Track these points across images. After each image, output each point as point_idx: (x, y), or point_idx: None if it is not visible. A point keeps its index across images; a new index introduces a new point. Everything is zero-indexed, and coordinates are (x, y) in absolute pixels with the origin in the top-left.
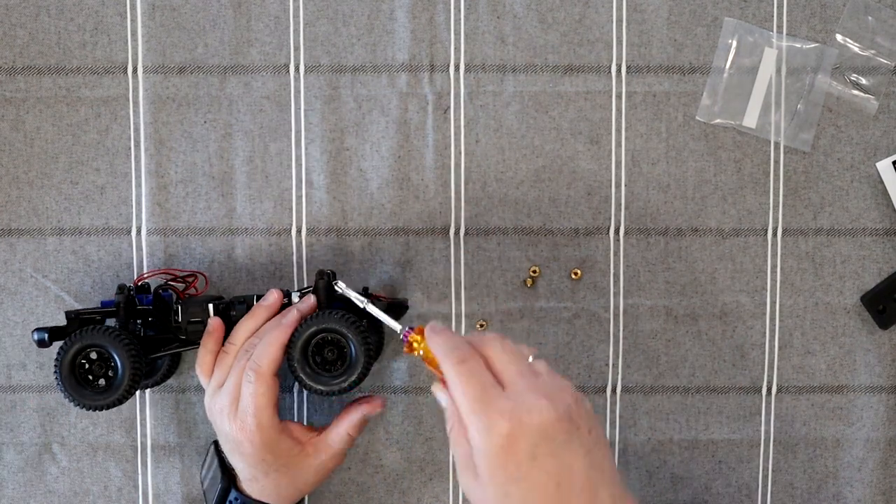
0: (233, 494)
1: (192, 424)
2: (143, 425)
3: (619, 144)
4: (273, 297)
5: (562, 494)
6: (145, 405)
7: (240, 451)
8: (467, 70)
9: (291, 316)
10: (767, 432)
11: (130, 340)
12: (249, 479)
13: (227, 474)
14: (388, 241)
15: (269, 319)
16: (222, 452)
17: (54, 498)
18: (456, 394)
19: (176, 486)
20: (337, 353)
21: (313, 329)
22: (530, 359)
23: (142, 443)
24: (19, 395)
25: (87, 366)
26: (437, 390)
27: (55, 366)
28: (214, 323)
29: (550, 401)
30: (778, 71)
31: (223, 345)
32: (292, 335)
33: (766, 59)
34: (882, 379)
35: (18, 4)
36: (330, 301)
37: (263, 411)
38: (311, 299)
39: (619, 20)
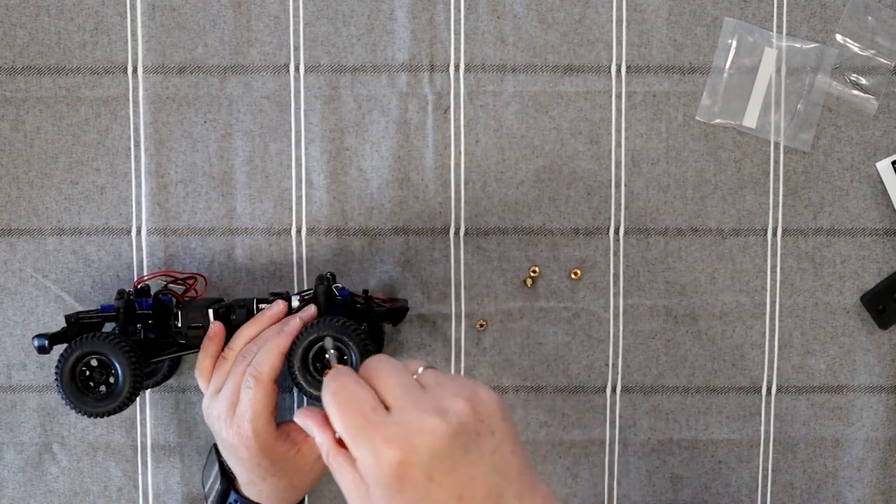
0: (232, 497)
1: (192, 424)
2: (143, 425)
3: (619, 144)
4: (278, 307)
5: None
6: (145, 405)
7: (237, 456)
8: (467, 70)
9: (293, 324)
10: (767, 432)
11: (131, 347)
12: (247, 483)
13: (227, 476)
14: (388, 241)
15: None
16: (222, 455)
17: (54, 498)
18: (336, 425)
19: (176, 486)
20: (338, 360)
21: (314, 336)
22: (420, 370)
23: (142, 443)
24: (19, 395)
25: (87, 373)
26: (300, 417)
27: (56, 373)
28: (216, 328)
29: (441, 415)
30: (778, 71)
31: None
32: (293, 342)
33: (766, 59)
34: (882, 379)
35: (18, 4)
36: (330, 307)
37: (260, 417)
38: (312, 309)
39: (619, 20)
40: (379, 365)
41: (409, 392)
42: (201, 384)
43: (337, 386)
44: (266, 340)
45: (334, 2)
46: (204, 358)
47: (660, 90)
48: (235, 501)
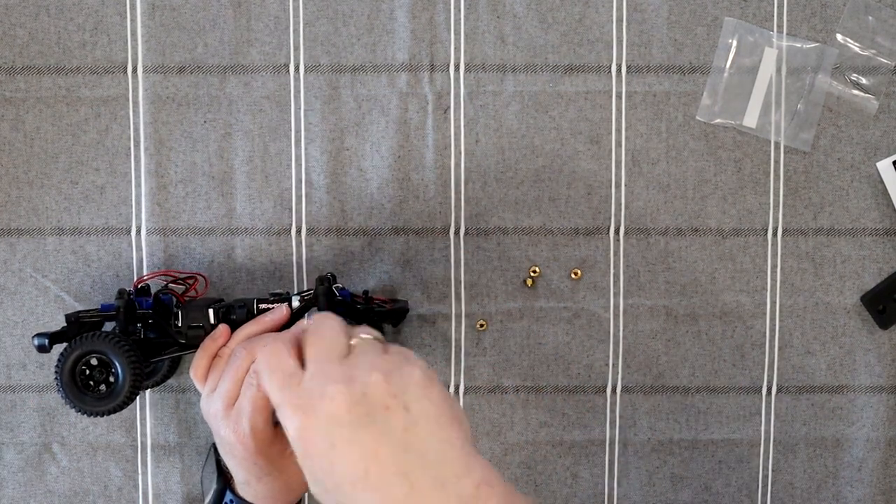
0: (228, 496)
1: (192, 424)
2: (143, 425)
3: (619, 144)
4: (281, 312)
5: (371, 482)
6: (145, 405)
7: (233, 454)
8: (467, 70)
9: (303, 324)
10: (767, 432)
11: (131, 346)
12: (243, 482)
13: (224, 476)
14: (388, 241)
15: (271, 331)
16: (220, 454)
17: (54, 498)
18: (264, 384)
19: (176, 486)
20: None
21: None
22: (357, 339)
23: (142, 443)
24: (19, 395)
25: (87, 372)
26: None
27: (56, 372)
28: (222, 329)
29: (346, 384)
30: (778, 71)
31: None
32: None
33: (767, 59)
34: (882, 379)
35: (18, 4)
36: (330, 307)
37: (259, 416)
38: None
39: (619, 20)
40: (317, 329)
41: (326, 359)
42: (197, 383)
43: (268, 352)
44: (273, 339)
45: (334, 2)
46: (201, 357)
47: (660, 90)
48: (231, 502)
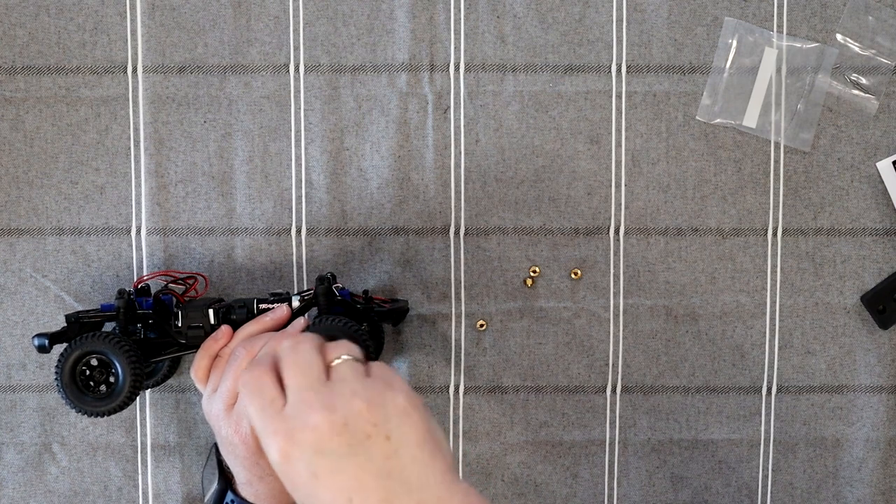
0: (229, 496)
1: (192, 424)
2: (143, 425)
3: (619, 144)
4: (281, 311)
5: None
6: (145, 405)
7: (235, 454)
8: (467, 70)
9: (299, 324)
10: (767, 432)
11: (131, 347)
12: (245, 482)
13: (225, 476)
14: (388, 241)
15: (271, 330)
16: (221, 454)
17: (54, 498)
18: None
19: (176, 486)
20: None
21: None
22: (340, 360)
23: (142, 442)
24: (19, 395)
25: (87, 372)
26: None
27: (56, 372)
28: (224, 330)
29: (327, 413)
30: (778, 71)
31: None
32: None
33: (767, 59)
34: (882, 379)
35: (18, 4)
36: (330, 307)
37: None
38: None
39: (619, 20)
40: (292, 353)
41: (306, 385)
42: (198, 384)
43: (248, 376)
44: (271, 338)
45: (334, 2)
46: (202, 357)
47: (660, 90)
48: (232, 502)
